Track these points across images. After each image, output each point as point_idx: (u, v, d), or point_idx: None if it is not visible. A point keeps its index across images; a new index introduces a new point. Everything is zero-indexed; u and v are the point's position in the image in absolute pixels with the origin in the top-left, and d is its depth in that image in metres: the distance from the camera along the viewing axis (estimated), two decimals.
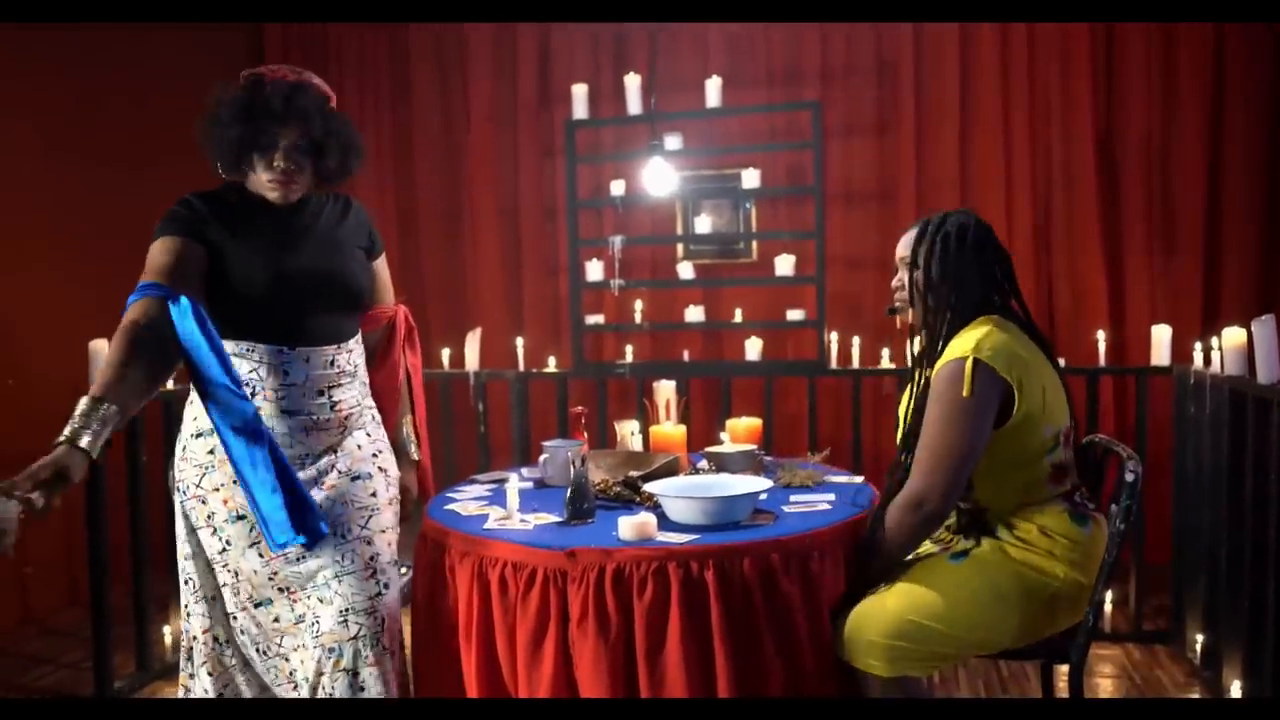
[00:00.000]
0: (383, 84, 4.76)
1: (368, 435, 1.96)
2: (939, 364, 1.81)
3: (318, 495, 1.83)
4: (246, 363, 1.82)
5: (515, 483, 1.96)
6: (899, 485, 1.85)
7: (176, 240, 1.76)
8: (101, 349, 2.93)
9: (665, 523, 1.87)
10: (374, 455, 1.95)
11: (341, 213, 1.98)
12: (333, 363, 1.87)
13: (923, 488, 1.78)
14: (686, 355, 3.87)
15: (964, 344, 1.80)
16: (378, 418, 2.03)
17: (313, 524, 1.73)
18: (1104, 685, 2.92)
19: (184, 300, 1.66)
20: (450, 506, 2.08)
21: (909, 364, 2.03)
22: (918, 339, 1.97)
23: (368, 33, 4.74)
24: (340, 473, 1.88)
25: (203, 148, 1.81)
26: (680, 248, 4.40)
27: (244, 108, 1.75)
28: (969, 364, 1.75)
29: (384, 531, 1.90)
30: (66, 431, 1.46)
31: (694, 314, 3.78)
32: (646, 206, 4.17)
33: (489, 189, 4.65)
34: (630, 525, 1.76)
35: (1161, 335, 3.23)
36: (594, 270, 3.82)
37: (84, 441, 1.46)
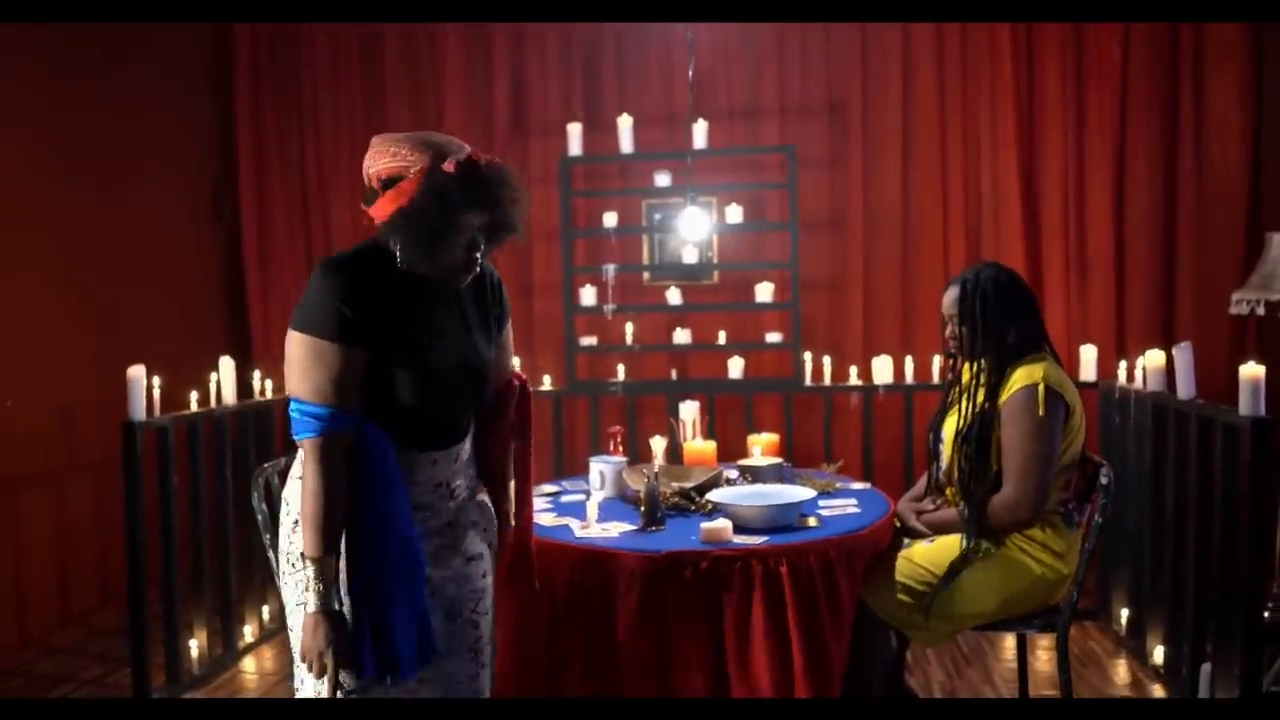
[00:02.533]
0: (356, 101, 4.90)
1: (479, 509, 1.87)
2: (1008, 393, 2.21)
3: (434, 573, 1.75)
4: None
5: (595, 498, 2.26)
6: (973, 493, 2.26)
7: (346, 352, 1.59)
8: (138, 377, 3.04)
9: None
10: (484, 531, 1.86)
11: (480, 283, 1.82)
12: (456, 459, 1.78)
13: (1017, 495, 2.18)
14: (675, 374, 4.19)
15: (1030, 374, 2.21)
16: (477, 482, 1.89)
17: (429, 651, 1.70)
18: (1044, 657, 3.38)
19: (379, 436, 1.63)
20: None
21: (947, 388, 2.47)
22: (968, 371, 2.36)
23: (341, 60, 4.88)
24: (458, 552, 1.80)
25: (405, 230, 1.61)
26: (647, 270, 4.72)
27: (479, 194, 1.61)
28: (1041, 389, 2.16)
29: (488, 613, 1.86)
30: (313, 602, 1.60)
31: (681, 336, 4.11)
32: (621, 234, 4.47)
33: None
34: (711, 530, 2.09)
35: (1089, 354, 3.76)
36: (584, 295, 4.12)
37: (334, 605, 1.62)
